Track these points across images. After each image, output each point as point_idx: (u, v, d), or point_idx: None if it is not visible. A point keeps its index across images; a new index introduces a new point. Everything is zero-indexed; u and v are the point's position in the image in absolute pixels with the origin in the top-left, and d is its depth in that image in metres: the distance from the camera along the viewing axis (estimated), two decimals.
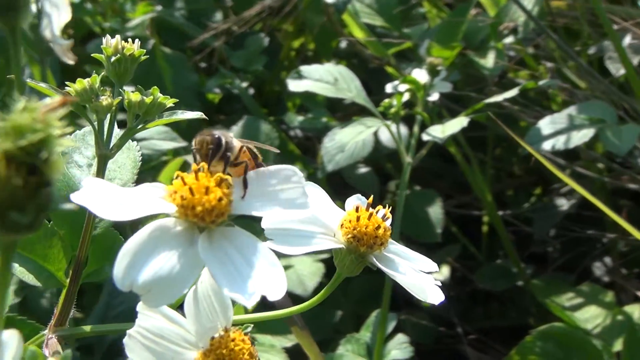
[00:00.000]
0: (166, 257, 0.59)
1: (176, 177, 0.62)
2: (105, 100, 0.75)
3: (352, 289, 2.02)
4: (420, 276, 0.74)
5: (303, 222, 0.72)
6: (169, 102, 0.78)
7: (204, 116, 0.76)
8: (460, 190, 2.37)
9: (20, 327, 0.89)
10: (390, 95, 1.65)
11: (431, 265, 0.79)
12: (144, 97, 0.76)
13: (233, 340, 0.67)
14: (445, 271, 2.18)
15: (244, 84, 2.10)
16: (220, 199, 0.61)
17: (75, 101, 0.40)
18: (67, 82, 0.74)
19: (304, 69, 1.64)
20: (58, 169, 0.41)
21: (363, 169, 2.15)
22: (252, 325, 0.72)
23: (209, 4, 2.25)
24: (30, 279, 0.81)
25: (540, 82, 1.59)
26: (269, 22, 2.26)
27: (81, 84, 0.75)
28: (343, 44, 2.29)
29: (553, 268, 2.14)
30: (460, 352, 2.07)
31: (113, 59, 0.78)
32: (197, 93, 2.12)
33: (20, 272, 0.82)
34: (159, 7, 2.10)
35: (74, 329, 0.82)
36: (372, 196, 0.76)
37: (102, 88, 0.77)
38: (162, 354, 0.67)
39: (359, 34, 1.96)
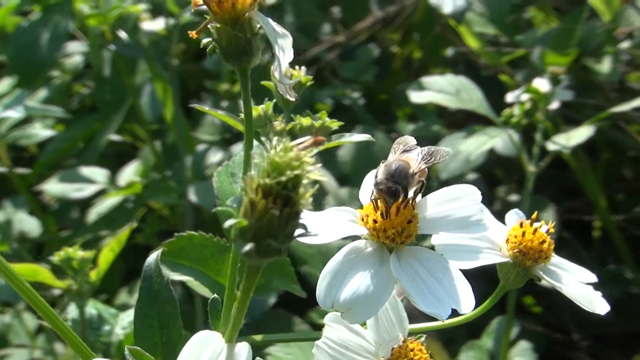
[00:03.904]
0: (361, 277, 0.64)
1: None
2: (278, 125, 0.81)
3: None
4: (586, 287, 0.77)
5: (470, 238, 0.75)
6: (335, 125, 0.83)
7: (372, 139, 0.80)
8: (567, 195, 2.36)
9: None
10: (507, 104, 1.66)
11: (590, 276, 0.81)
12: (314, 122, 0.81)
13: (412, 350, 0.72)
14: None
15: (355, 94, 2.15)
16: (409, 221, 0.65)
17: (323, 141, 0.45)
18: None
19: (425, 80, 1.67)
20: (306, 202, 0.46)
21: (472, 176, 2.16)
22: (425, 335, 0.76)
23: (319, 18, 2.31)
24: (204, 291, 0.88)
25: None
26: (378, 34, 2.30)
27: (257, 110, 0.80)
28: (449, 53, 2.31)
29: None
30: (573, 359, 2.06)
31: None
32: (308, 104, 2.17)
33: (195, 285, 0.88)
34: None
35: (245, 337, 0.87)
36: (535, 212, 0.79)
37: (272, 113, 0.83)
38: None
39: (473, 43, 1.98)
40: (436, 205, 0.71)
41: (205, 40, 0.55)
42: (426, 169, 0.74)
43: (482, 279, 0.89)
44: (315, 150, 0.45)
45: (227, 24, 0.53)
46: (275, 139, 0.46)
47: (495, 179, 2.30)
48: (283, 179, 0.45)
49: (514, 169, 2.30)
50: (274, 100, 0.83)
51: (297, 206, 0.46)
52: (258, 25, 0.55)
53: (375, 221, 0.66)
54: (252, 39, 0.55)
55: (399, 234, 0.65)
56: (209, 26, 0.55)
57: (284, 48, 0.54)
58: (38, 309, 0.61)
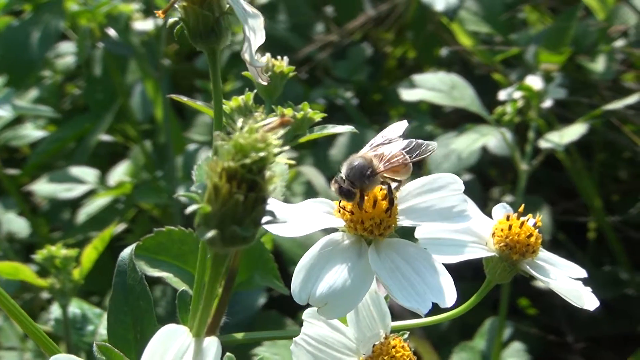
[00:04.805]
0: (338, 271, 0.61)
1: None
2: (259, 116, 0.78)
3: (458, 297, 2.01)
4: (574, 283, 0.74)
5: (455, 231, 0.73)
6: (318, 116, 0.81)
7: (355, 130, 0.78)
8: (563, 196, 2.34)
9: None
10: (501, 103, 1.64)
11: (579, 271, 0.79)
12: (296, 113, 0.79)
13: (394, 347, 0.69)
14: None
15: (348, 94, 2.13)
16: (387, 211, 0.63)
17: (291, 122, 0.43)
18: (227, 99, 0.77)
19: (417, 77, 1.65)
20: (274, 187, 0.44)
21: (466, 176, 2.14)
22: (408, 332, 0.73)
23: (311, 17, 2.29)
24: (184, 288, 0.85)
25: None
26: (371, 33, 2.28)
27: (236, 101, 0.78)
28: (444, 52, 2.29)
29: None
30: None
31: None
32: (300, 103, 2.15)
33: (175, 281, 0.86)
34: None
35: (226, 336, 0.85)
36: (522, 205, 0.77)
37: (253, 104, 0.80)
38: None
39: (466, 42, 1.96)
40: (416, 195, 0.68)
41: (171, 20, 0.53)
42: (410, 165, 0.71)
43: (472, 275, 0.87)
44: (281, 132, 0.43)
45: (195, 2, 0.51)
46: (240, 120, 0.43)
47: (490, 180, 2.28)
48: (247, 161, 0.43)
49: (509, 170, 2.28)
50: (255, 91, 0.81)
51: (263, 191, 0.44)
52: (227, 5, 0.53)
53: (352, 212, 0.63)
54: (221, 18, 0.52)
55: (377, 225, 0.63)
56: (176, 5, 0.53)
57: (255, 29, 0.51)
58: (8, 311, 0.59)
